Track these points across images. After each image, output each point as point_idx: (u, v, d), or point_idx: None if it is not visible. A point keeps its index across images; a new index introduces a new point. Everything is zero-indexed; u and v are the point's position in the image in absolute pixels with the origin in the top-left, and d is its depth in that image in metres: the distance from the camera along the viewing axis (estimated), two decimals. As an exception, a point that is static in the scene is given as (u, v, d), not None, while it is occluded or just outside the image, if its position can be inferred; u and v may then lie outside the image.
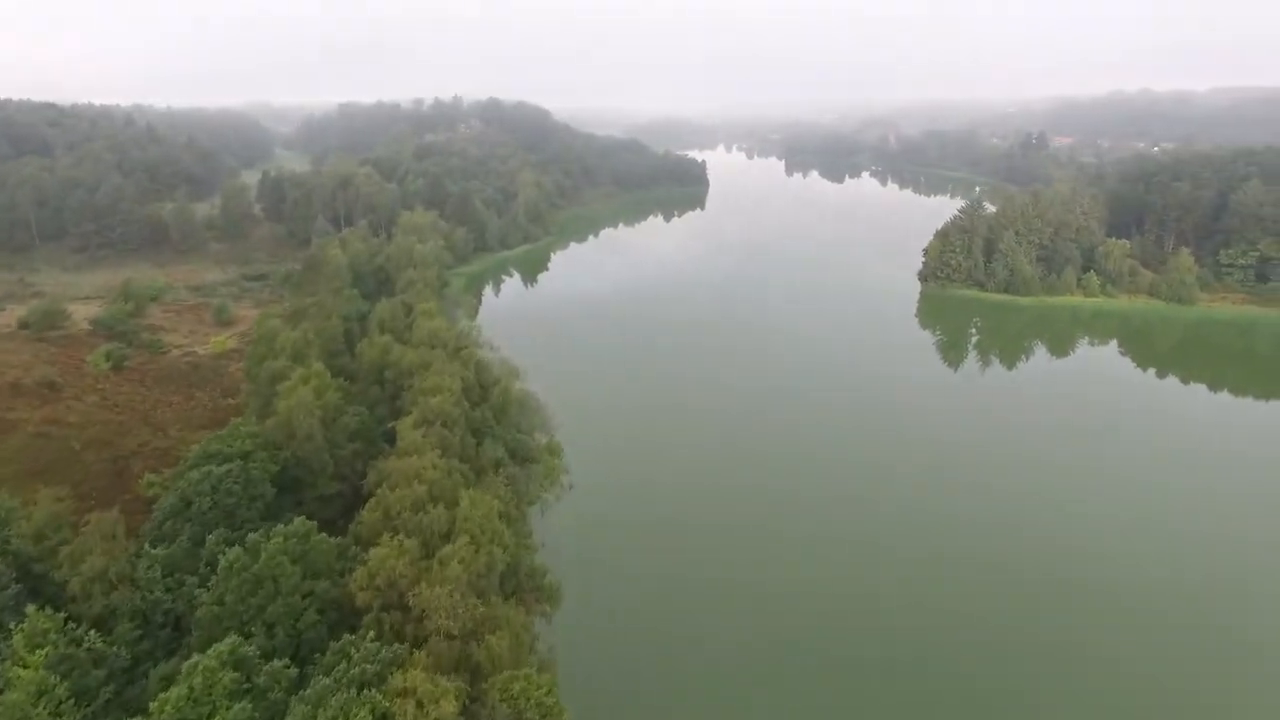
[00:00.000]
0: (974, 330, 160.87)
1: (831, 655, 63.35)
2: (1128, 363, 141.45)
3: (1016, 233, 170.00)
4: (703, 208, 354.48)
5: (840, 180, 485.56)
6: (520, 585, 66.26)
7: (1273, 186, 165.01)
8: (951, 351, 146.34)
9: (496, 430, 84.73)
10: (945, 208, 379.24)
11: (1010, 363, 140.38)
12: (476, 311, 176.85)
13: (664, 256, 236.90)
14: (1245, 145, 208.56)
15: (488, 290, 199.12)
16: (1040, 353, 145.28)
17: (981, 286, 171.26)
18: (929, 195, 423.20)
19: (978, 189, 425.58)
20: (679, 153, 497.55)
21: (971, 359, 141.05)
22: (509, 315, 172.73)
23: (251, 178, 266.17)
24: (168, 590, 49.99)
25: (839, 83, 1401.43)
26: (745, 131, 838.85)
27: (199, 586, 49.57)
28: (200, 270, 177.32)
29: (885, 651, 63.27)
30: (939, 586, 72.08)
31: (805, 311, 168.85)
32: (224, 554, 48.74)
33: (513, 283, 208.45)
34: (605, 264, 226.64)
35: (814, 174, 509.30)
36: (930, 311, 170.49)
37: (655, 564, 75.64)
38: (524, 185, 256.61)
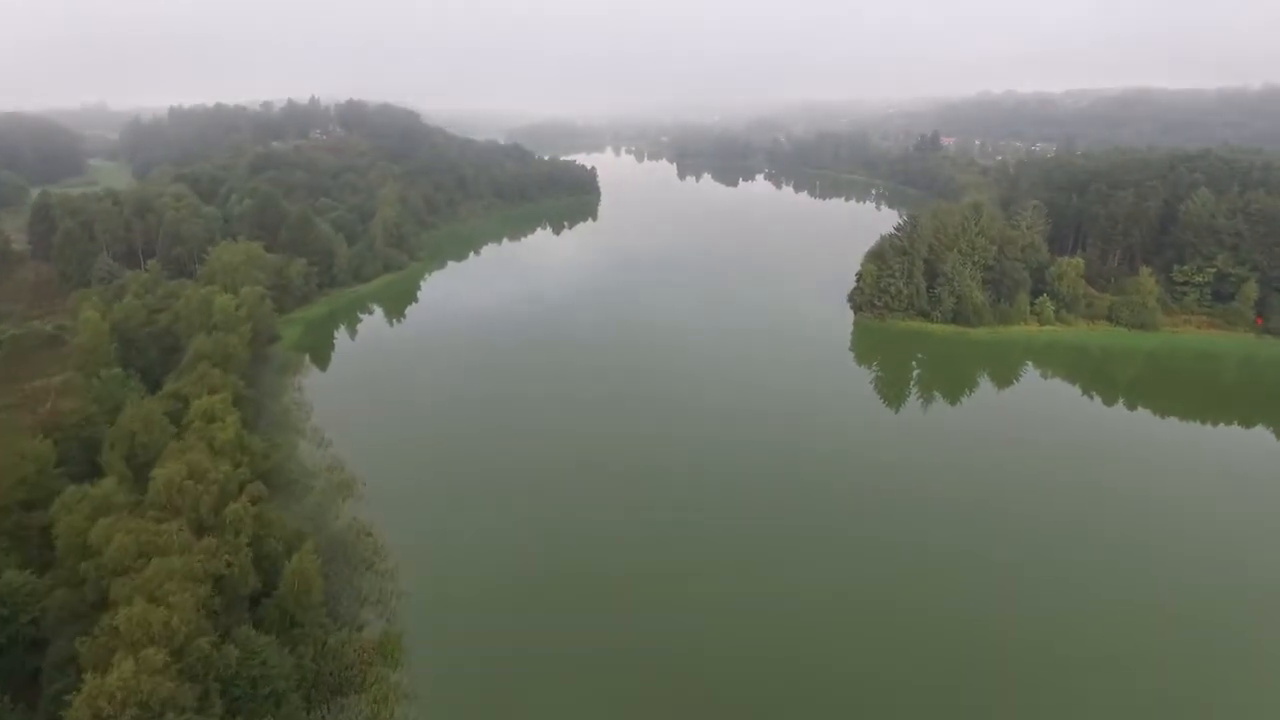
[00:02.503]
0: (917, 366, 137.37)
1: None
2: (1131, 411, 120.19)
3: (959, 251, 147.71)
4: (595, 218, 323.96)
5: (734, 184, 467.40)
6: None
7: (1222, 195, 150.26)
8: (911, 402, 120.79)
9: (273, 665, 49.16)
10: (847, 211, 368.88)
11: (981, 409, 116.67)
12: (328, 361, 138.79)
13: (553, 278, 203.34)
14: (1178, 148, 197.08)
15: (340, 334, 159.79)
16: (1012, 393, 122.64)
17: (926, 316, 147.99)
18: (825, 199, 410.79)
19: (874, 191, 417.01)
20: (567, 158, 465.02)
21: (940, 410, 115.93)
22: (364, 368, 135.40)
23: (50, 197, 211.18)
24: None
25: (723, 84, 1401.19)
26: (635, 133, 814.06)
27: None
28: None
29: None
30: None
31: (722, 349, 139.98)
32: None
33: (373, 321, 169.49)
34: (485, 291, 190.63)
35: (707, 177, 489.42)
36: (869, 346, 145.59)
37: None
38: (384, 202, 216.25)
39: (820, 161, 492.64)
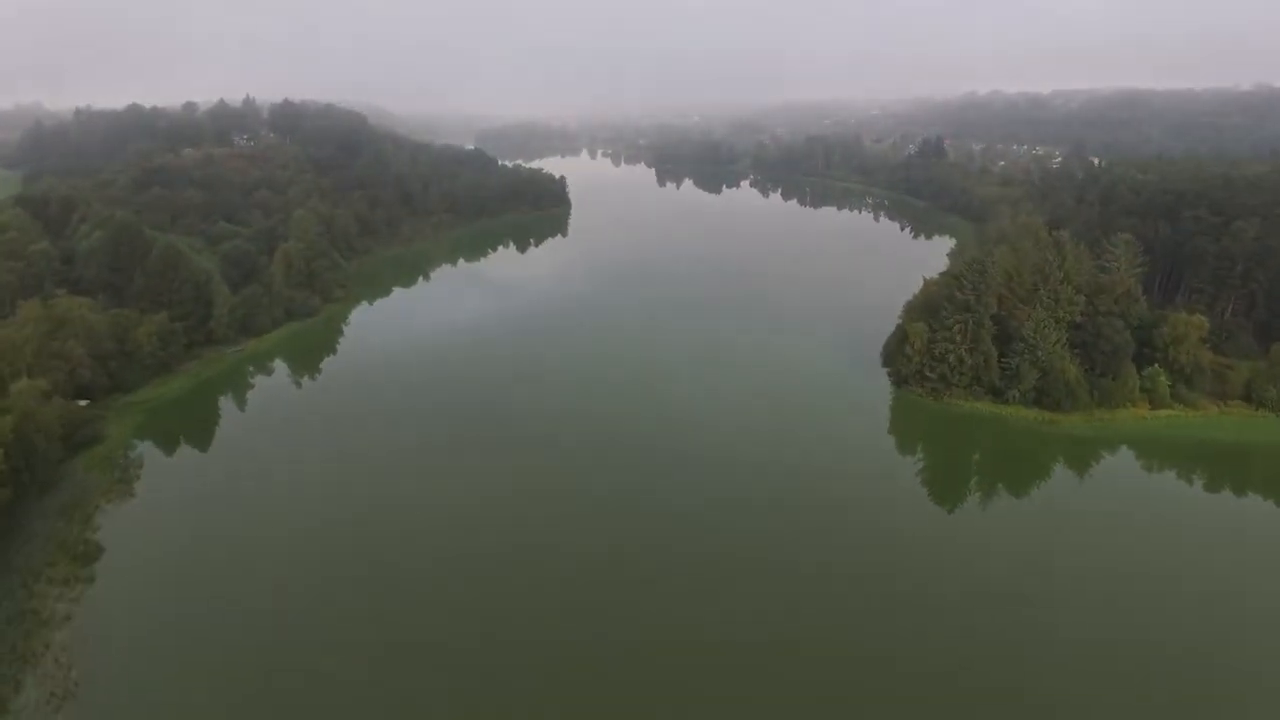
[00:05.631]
0: (983, 468, 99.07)
1: None
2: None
3: (1041, 306, 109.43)
4: (565, 233, 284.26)
5: (718, 191, 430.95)
6: None
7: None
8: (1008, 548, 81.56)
9: None
10: (846, 224, 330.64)
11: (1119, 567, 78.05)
12: (174, 465, 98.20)
13: (502, 324, 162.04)
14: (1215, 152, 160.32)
15: (226, 405, 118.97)
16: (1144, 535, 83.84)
17: (998, 395, 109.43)
18: (818, 208, 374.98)
19: (869, 200, 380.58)
20: (540, 161, 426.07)
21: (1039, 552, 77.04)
22: (216, 478, 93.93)
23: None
24: None
25: (700, 85, 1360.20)
26: (611, 135, 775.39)
27: None
28: None
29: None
30: None
31: (719, 431, 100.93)
32: None
33: (272, 384, 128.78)
34: (419, 341, 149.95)
35: (688, 183, 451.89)
36: (916, 434, 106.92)
37: None
38: (297, 226, 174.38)
39: (810, 167, 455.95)
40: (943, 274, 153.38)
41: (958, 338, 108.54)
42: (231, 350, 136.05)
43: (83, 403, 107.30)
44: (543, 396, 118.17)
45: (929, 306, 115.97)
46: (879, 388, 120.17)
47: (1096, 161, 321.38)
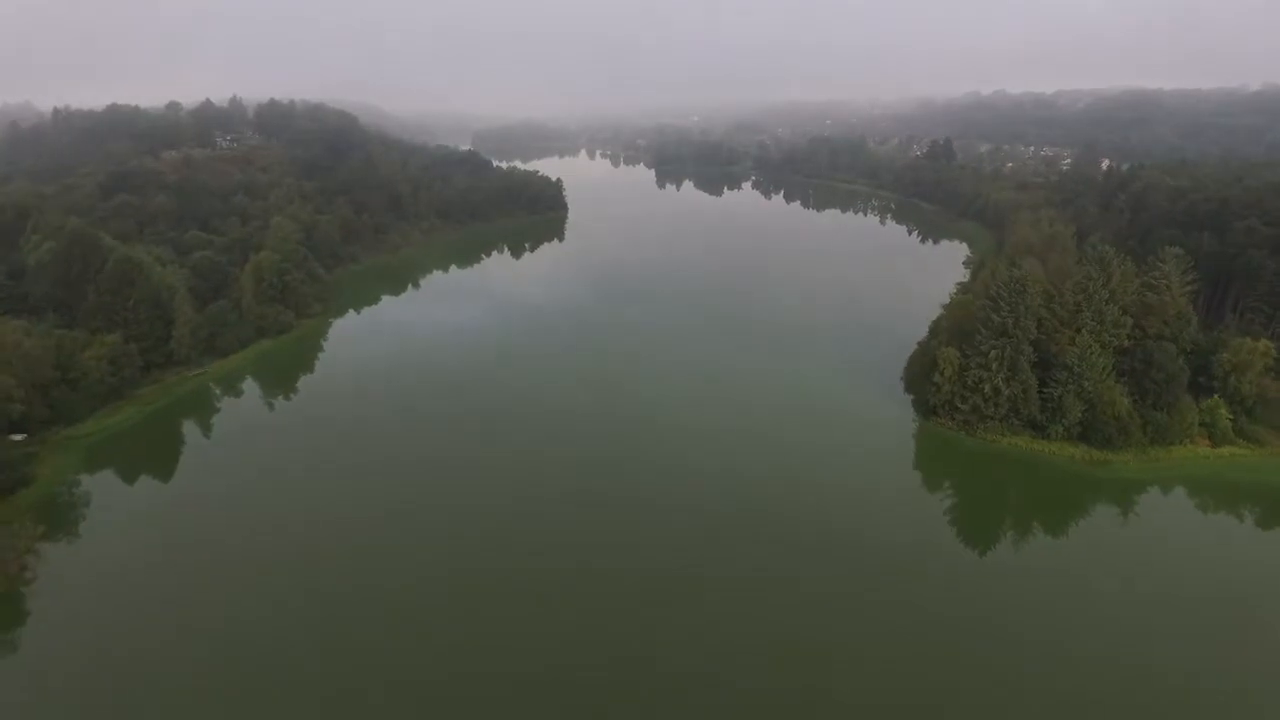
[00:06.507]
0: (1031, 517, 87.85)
1: None
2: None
3: (1087, 331, 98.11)
4: (561, 238, 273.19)
5: (719, 193, 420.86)
6: None
7: None
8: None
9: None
10: (855, 228, 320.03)
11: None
12: (120, 511, 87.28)
13: (498, 330, 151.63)
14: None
15: (186, 433, 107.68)
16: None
17: (1039, 429, 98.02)
18: (821, 210, 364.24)
19: (875, 203, 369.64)
20: (538, 162, 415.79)
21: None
22: (201, 496, 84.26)
23: None
24: None
25: (699, 85, 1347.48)
26: (610, 135, 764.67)
27: None
28: None
29: None
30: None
31: (731, 486, 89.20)
32: None
33: (240, 409, 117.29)
34: (405, 353, 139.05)
35: (688, 185, 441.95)
36: (943, 474, 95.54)
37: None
38: (275, 235, 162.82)
39: (813, 169, 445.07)
40: (961, 285, 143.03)
41: (994, 365, 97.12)
42: (194, 373, 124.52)
43: (18, 437, 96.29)
44: (533, 419, 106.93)
45: (959, 329, 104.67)
46: (902, 417, 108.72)
47: (1107, 164, 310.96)
